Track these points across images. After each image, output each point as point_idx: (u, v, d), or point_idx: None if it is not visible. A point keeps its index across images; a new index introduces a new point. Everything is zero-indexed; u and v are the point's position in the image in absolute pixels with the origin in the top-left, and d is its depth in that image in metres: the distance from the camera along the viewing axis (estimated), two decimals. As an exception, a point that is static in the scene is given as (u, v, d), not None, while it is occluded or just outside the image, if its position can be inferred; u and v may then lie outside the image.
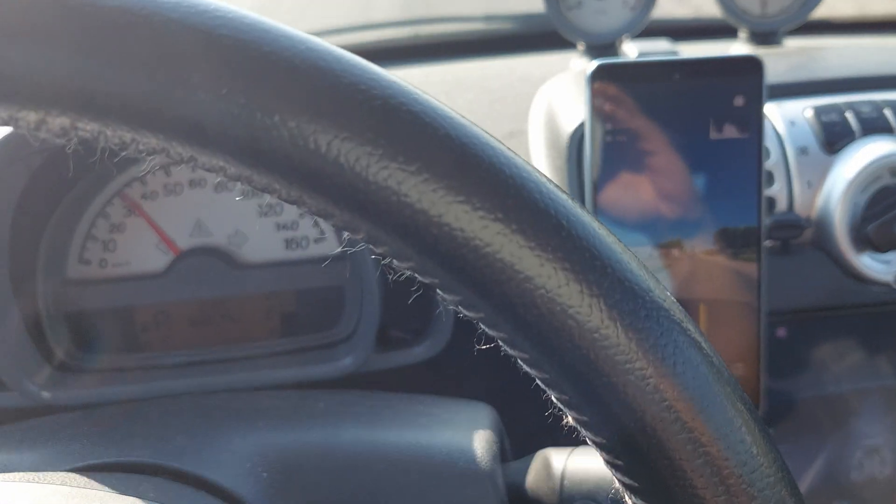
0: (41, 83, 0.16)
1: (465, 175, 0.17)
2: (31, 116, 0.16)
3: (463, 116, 0.18)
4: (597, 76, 0.45)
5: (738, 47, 0.73)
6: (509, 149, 0.18)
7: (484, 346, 0.20)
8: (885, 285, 0.49)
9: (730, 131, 0.45)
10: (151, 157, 0.17)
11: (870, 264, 0.48)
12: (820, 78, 0.53)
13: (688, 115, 0.45)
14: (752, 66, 0.45)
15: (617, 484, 0.20)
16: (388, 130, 0.16)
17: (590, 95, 0.45)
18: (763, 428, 0.19)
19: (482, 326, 0.18)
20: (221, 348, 0.56)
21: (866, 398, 0.52)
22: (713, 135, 0.45)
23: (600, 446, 0.19)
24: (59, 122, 0.16)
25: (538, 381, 0.19)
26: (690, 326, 0.18)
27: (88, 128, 0.16)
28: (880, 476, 0.52)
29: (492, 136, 0.18)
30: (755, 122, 0.45)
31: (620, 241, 0.19)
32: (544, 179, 0.18)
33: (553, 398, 0.19)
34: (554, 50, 0.83)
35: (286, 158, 0.16)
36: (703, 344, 0.18)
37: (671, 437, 0.18)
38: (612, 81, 0.45)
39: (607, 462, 0.19)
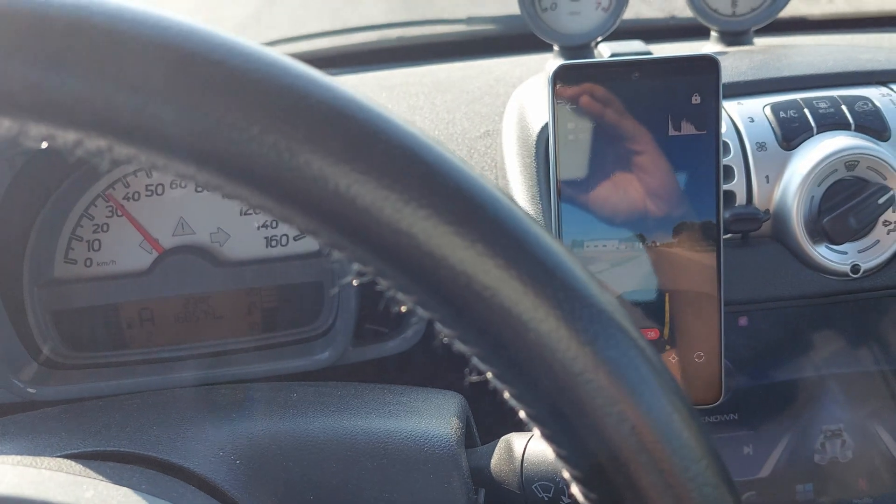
0: (63, 102, 0.17)
1: (474, 221, 0.18)
2: (71, 136, 0.18)
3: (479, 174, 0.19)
4: (559, 77, 0.47)
5: (710, 46, 0.75)
6: (510, 197, 0.20)
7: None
8: (842, 275, 0.51)
9: (688, 128, 0.47)
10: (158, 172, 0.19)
11: (826, 255, 0.50)
12: (779, 76, 0.55)
13: (647, 113, 0.47)
14: (708, 64, 0.46)
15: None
16: (401, 178, 0.18)
17: (552, 96, 0.47)
18: (697, 418, 0.21)
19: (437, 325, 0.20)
20: (204, 344, 0.58)
21: (827, 384, 0.53)
22: (672, 132, 0.47)
23: (548, 438, 0.21)
24: (97, 143, 0.18)
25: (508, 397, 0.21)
26: (634, 332, 0.20)
27: (99, 145, 0.18)
28: (842, 459, 0.54)
29: (487, 178, 0.20)
30: (713, 119, 0.47)
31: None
32: (533, 224, 0.20)
33: (520, 412, 0.21)
34: (532, 52, 0.85)
35: (325, 208, 0.18)
36: (648, 350, 0.20)
37: (611, 428, 0.19)
38: (574, 82, 0.47)
39: (557, 455, 0.21)
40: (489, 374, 0.21)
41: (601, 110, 0.47)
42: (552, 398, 0.20)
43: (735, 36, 0.74)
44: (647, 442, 0.20)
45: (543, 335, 0.19)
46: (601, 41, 0.76)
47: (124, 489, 0.33)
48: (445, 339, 0.21)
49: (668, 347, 0.49)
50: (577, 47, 0.75)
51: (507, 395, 0.21)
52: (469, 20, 0.97)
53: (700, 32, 0.77)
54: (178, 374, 0.55)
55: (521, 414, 0.22)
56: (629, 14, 0.76)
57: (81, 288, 0.57)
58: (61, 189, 0.57)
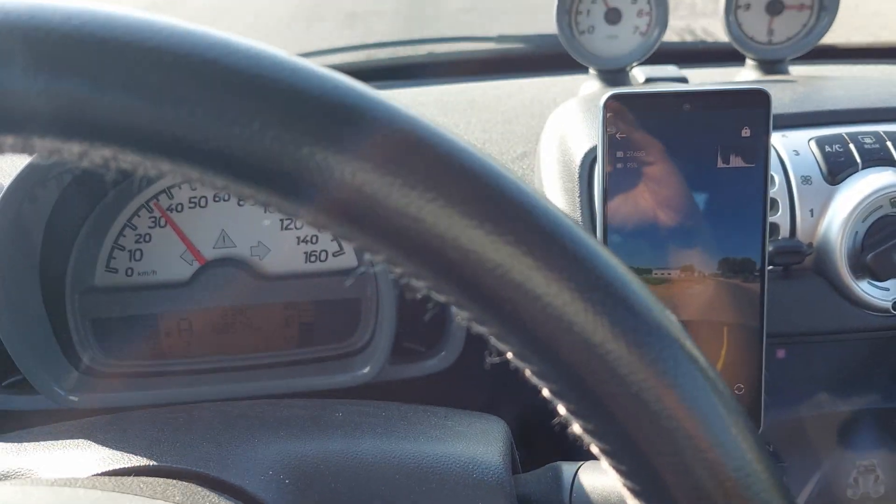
0: (90, 119, 0.17)
1: (480, 202, 0.19)
2: (76, 148, 0.18)
3: (478, 149, 0.20)
4: (610, 104, 0.47)
5: (745, 74, 0.76)
6: (518, 177, 0.20)
7: (495, 360, 0.22)
8: (884, 311, 0.51)
9: (736, 161, 0.47)
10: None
11: (868, 291, 0.50)
12: (824, 109, 0.55)
13: (696, 143, 0.47)
14: (759, 98, 0.47)
15: (622, 495, 0.22)
16: (410, 164, 0.18)
17: (603, 122, 0.47)
18: (755, 435, 0.21)
19: (493, 340, 0.20)
20: (242, 356, 0.59)
21: (862, 419, 0.53)
22: (720, 164, 0.47)
23: (605, 452, 0.21)
24: (102, 153, 0.18)
25: (546, 392, 0.21)
26: (688, 342, 0.20)
27: (129, 159, 0.18)
28: (875, 495, 0.54)
29: (501, 163, 0.20)
30: (761, 153, 0.47)
31: (622, 262, 0.21)
32: (552, 206, 0.20)
33: (560, 408, 0.21)
34: (565, 72, 0.85)
35: (316, 189, 0.18)
36: (700, 358, 0.20)
37: (672, 443, 0.20)
38: (625, 110, 0.47)
39: (611, 467, 0.21)
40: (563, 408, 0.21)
41: (651, 139, 0.47)
42: (633, 437, 0.20)
43: (771, 64, 0.75)
44: (724, 479, 0.20)
45: (629, 380, 0.20)
46: (636, 65, 0.76)
47: (158, 502, 0.33)
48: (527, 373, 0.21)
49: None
50: (613, 71, 0.76)
51: (578, 428, 0.22)
52: (500, 38, 0.98)
53: (734, 58, 0.78)
54: (215, 387, 0.56)
55: (595, 449, 0.22)
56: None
57: (121, 297, 0.58)
58: (106, 199, 0.57)
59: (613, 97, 0.47)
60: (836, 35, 0.89)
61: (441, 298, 0.20)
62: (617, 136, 0.48)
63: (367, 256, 0.20)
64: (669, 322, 0.20)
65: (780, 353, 0.53)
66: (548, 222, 0.19)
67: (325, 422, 0.43)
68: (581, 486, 0.38)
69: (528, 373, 0.21)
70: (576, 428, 0.22)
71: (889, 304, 0.50)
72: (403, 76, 0.94)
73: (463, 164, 0.19)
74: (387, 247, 0.19)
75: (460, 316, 0.20)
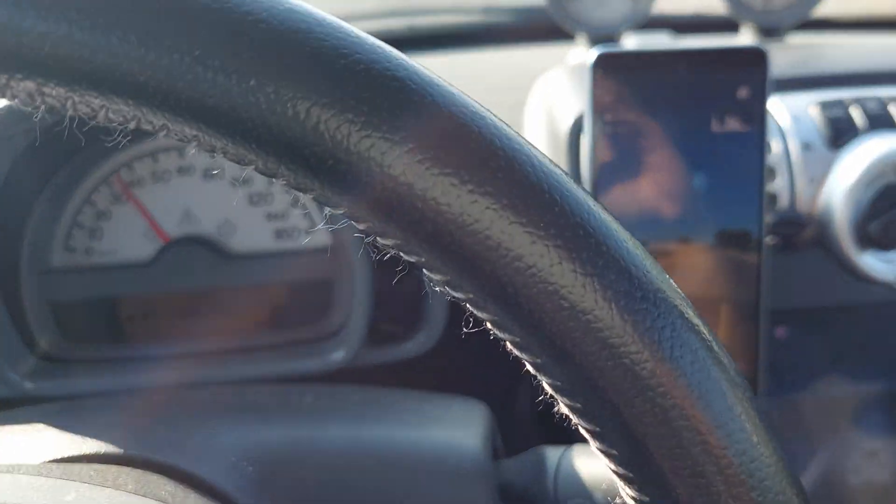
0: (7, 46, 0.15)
1: (454, 146, 0.15)
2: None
3: (451, 85, 0.17)
4: (599, 65, 0.44)
5: (741, 42, 0.72)
6: (500, 119, 0.17)
7: (472, 330, 0.19)
8: (888, 285, 0.48)
9: (732, 124, 0.44)
10: (122, 125, 0.16)
11: (872, 263, 0.47)
12: (825, 72, 0.52)
13: (690, 106, 0.44)
14: (757, 57, 0.43)
15: (611, 480, 0.19)
16: (371, 97, 0.15)
17: (591, 84, 0.44)
18: (763, 417, 0.18)
19: (469, 308, 0.17)
20: (209, 340, 0.55)
21: (866, 401, 0.51)
22: (715, 127, 0.44)
23: (593, 434, 0.18)
24: (23, 86, 0.15)
25: (528, 366, 0.18)
26: (688, 310, 0.17)
27: (54, 93, 0.15)
28: (878, 480, 0.51)
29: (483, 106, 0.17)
30: (758, 116, 0.44)
31: (616, 220, 0.17)
32: (537, 152, 0.17)
33: (544, 384, 0.18)
34: (551, 42, 0.82)
35: (264, 126, 0.15)
36: (702, 328, 0.17)
37: (668, 424, 0.17)
38: (614, 71, 0.44)
39: (600, 451, 0.18)
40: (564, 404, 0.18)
41: (642, 102, 0.44)
42: (626, 421, 0.18)
43: (767, 32, 0.71)
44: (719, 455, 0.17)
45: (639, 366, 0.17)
46: (627, 33, 0.73)
47: (108, 490, 0.31)
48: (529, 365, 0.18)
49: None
50: (603, 38, 0.72)
51: (564, 407, 0.19)
52: (486, 10, 0.95)
53: (728, 27, 0.75)
54: (180, 373, 0.52)
55: (583, 431, 0.19)
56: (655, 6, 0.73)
57: (81, 278, 0.54)
58: (62, 173, 0.54)
59: (603, 56, 0.44)
60: (833, 6, 0.86)
61: (411, 259, 0.17)
62: (606, 99, 0.44)
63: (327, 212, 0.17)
64: (668, 287, 0.17)
65: (780, 331, 0.50)
66: (533, 171, 0.16)
67: (293, 407, 0.40)
68: (566, 471, 0.35)
69: (508, 345, 0.18)
70: (562, 407, 0.19)
71: (893, 277, 0.48)
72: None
73: (436, 101, 0.16)
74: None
75: (433, 281, 0.17)
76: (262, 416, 0.39)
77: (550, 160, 0.17)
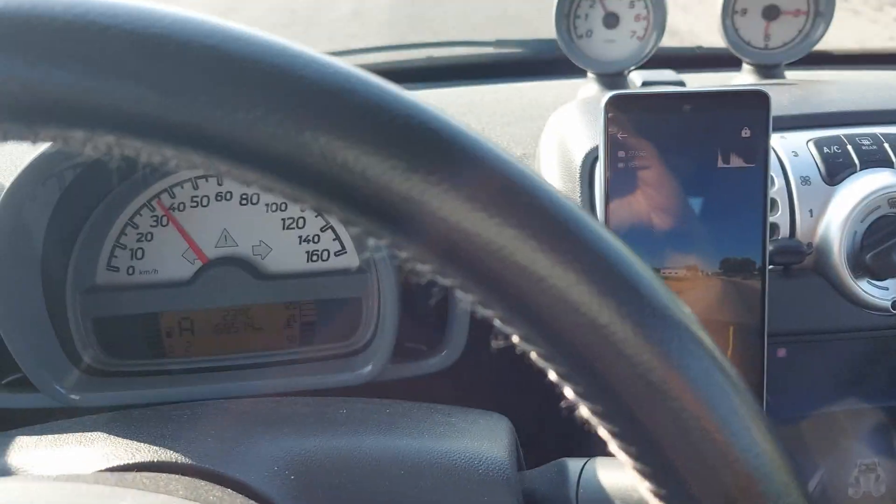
0: (94, 104, 0.17)
1: (483, 186, 0.19)
2: (79, 135, 0.18)
3: (477, 133, 0.20)
4: (611, 105, 0.47)
5: (742, 78, 0.76)
6: (521, 162, 0.20)
7: (500, 344, 0.22)
8: (883, 311, 0.51)
9: (736, 161, 0.48)
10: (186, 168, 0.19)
11: (868, 290, 0.51)
12: (822, 111, 0.56)
13: (697, 144, 0.48)
14: (759, 100, 0.47)
15: (631, 491, 0.22)
16: (410, 146, 0.18)
17: (605, 122, 0.47)
18: (764, 417, 0.21)
19: (498, 324, 0.21)
20: (243, 355, 0.58)
21: (863, 418, 0.54)
22: (721, 164, 0.48)
23: (613, 434, 0.21)
24: (105, 140, 0.18)
25: (554, 375, 0.21)
26: (692, 324, 0.21)
27: (132, 145, 0.18)
28: (876, 494, 0.54)
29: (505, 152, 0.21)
30: (761, 153, 0.48)
31: (625, 245, 0.21)
32: (553, 189, 0.20)
33: (568, 390, 0.21)
34: (563, 76, 0.86)
35: (318, 174, 0.18)
36: (705, 339, 0.21)
37: (677, 423, 0.20)
38: (626, 111, 0.48)
39: (619, 448, 0.21)
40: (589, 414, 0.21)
41: (652, 140, 0.48)
42: (653, 431, 0.21)
43: (767, 69, 0.75)
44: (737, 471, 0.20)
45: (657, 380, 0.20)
46: (633, 69, 0.77)
47: (162, 496, 0.33)
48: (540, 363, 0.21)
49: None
50: (611, 75, 0.76)
51: (586, 411, 0.22)
52: (498, 43, 0.99)
53: (729, 63, 0.79)
54: (216, 385, 0.56)
55: (603, 433, 0.22)
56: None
57: (123, 296, 0.58)
58: (108, 198, 0.57)
59: (615, 97, 0.48)
60: (830, 42, 0.90)
61: (448, 283, 0.20)
62: (618, 136, 0.48)
63: (371, 253, 0.20)
64: (674, 304, 0.21)
65: (781, 353, 0.53)
66: (551, 204, 0.20)
67: (329, 419, 0.43)
68: (588, 482, 0.38)
69: (534, 356, 0.21)
70: (583, 411, 0.22)
71: (888, 304, 0.51)
72: (402, 80, 0.94)
73: (465, 149, 0.19)
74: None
75: (465, 300, 0.21)
76: (300, 428, 0.42)
77: (566, 196, 0.21)
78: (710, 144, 0.48)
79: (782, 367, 0.53)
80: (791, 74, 0.79)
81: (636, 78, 0.77)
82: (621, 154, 0.48)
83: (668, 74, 0.79)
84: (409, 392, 0.57)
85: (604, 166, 0.48)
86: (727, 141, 0.48)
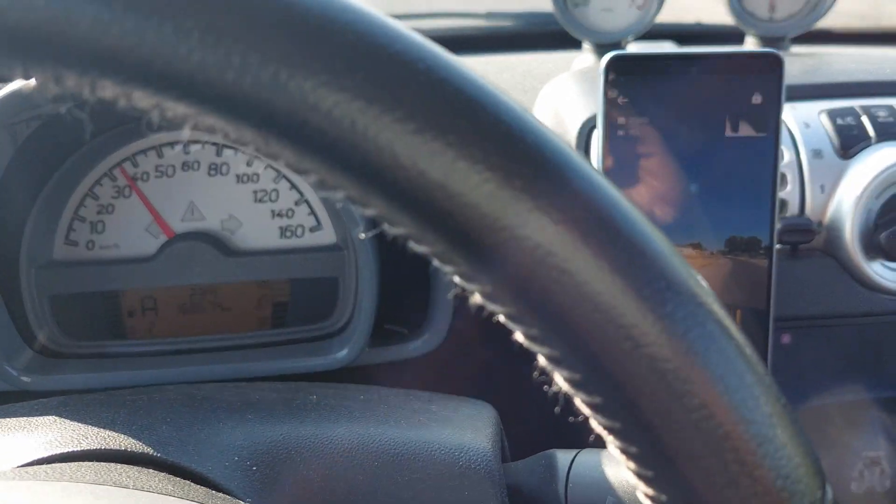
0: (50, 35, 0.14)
1: (480, 139, 0.15)
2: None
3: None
4: (612, 67, 0.44)
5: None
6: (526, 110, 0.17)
7: (491, 318, 0.18)
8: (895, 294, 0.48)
9: (746, 129, 0.44)
10: (144, 112, 0.15)
11: (881, 272, 0.47)
12: (836, 81, 0.52)
13: (703, 111, 0.44)
14: (772, 63, 0.43)
15: (626, 480, 0.19)
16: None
17: (604, 86, 0.44)
18: (792, 416, 0.18)
19: (485, 301, 0.17)
20: (210, 337, 0.55)
21: (868, 409, 0.51)
22: (729, 132, 0.44)
23: (612, 431, 0.18)
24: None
25: (544, 360, 0.17)
26: (716, 309, 0.17)
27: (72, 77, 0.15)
28: (880, 488, 0.51)
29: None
30: (773, 121, 0.44)
31: (631, 203, 0.17)
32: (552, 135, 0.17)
33: (561, 379, 0.18)
34: (555, 49, 0.82)
35: (268, 106, 0.14)
36: (731, 329, 0.17)
37: (692, 420, 0.17)
38: (628, 73, 0.44)
39: (619, 448, 0.18)
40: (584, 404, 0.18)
41: (655, 106, 0.44)
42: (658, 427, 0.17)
43: (771, 42, 0.72)
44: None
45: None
46: (632, 40, 0.73)
47: (109, 488, 0.30)
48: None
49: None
50: (609, 45, 0.72)
51: (580, 403, 0.18)
52: (489, 15, 0.95)
53: (731, 38, 0.75)
54: (180, 369, 0.52)
55: (598, 427, 0.19)
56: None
57: (82, 272, 0.54)
58: (65, 166, 0.53)
59: (616, 57, 0.44)
60: (836, 18, 0.87)
61: (422, 249, 0.17)
62: (618, 100, 0.44)
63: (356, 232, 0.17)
64: (690, 275, 0.17)
65: (786, 338, 0.50)
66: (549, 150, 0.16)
67: (298, 405, 0.39)
68: (578, 476, 0.35)
69: (522, 336, 0.18)
70: (579, 403, 0.18)
71: (902, 287, 0.48)
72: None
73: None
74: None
75: (444, 270, 0.17)
76: (266, 415, 0.38)
77: (566, 143, 0.17)
78: (717, 111, 0.44)
79: (786, 353, 0.50)
80: (796, 50, 0.75)
81: (634, 49, 0.73)
82: (621, 120, 0.44)
83: (667, 47, 0.75)
84: (389, 378, 0.54)
85: (602, 133, 0.44)
86: (736, 107, 0.44)
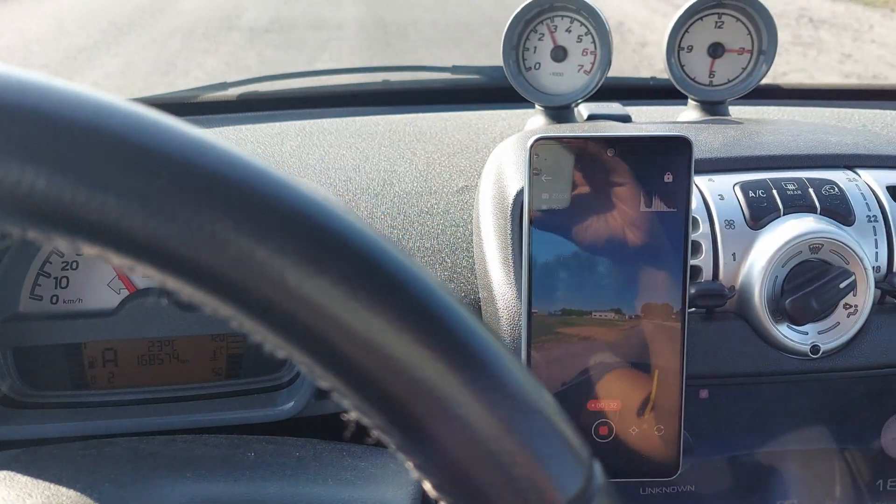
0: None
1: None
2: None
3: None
4: (536, 147, 0.47)
5: (687, 113, 0.77)
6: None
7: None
8: (802, 355, 0.52)
9: (659, 205, 0.48)
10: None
11: (787, 334, 0.51)
12: (750, 154, 0.56)
13: (620, 187, 0.48)
14: (681, 146, 0.47)
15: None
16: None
17: (529, 164, 0.47)
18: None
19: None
20: (168, 387, 0.57)
21: (783, 460, 0.54)
22: (643, 207, 0.48)
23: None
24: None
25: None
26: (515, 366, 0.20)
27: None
28: (796, 536, 0.54)
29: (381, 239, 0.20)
30: (683, 198, 0.48)
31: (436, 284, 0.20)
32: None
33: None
34: (515, 106, 0.86)
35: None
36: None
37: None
38: (551, 153, 0.48)
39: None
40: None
41: (576, 183, 0.48)
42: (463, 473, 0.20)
43: (712, 105, 0.76)
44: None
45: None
46: (580, 102, 0.77)
47: None
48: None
49: (630, 418, 0.49)
50: (558, 107, 0.77)
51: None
52: (455, 69, 0.99)
53: (678, 95, 0.79)
54: (138, 419, 0.55)
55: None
56: (610, 73, 0.78)
57: (46, 325, 0.57)
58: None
59: (539, 140, 0.48)
60: (776, 78, 0.91)
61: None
62: (542, 178, 0.48)
63: None
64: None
65: (704, 394, 0.53)
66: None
67: (236, 462, 0.42)
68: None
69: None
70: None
71: (807, 348, 0.51)
72: (358, 103, 0.94)
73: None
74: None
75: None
76: (205, 471, 0.41)
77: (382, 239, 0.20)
78: (633, 188, 0.48)
79: (704, 408, 0.53)
80: (736, 110, 0.80)
81: (583, 110, 0.78)
82: (545, 196, 0.48)
83: (614, 107, 0.80)
84: (334, 427, 0.57)
85: (528, 207, 0.48)
86: (650, 185, 0.48)
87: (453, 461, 0.19)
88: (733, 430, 0.53)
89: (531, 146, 0.47)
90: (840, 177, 0.55)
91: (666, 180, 0.48)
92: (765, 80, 0.76)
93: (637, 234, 0.48)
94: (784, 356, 0.52)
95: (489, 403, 0.19)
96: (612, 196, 0.48)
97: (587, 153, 0.48)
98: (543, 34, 0.76)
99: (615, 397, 0.49)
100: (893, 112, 0.87)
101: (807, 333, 0.51)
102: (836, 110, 0.86)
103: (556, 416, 0.20)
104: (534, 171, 0.48)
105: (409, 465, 0.20)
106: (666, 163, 0.48)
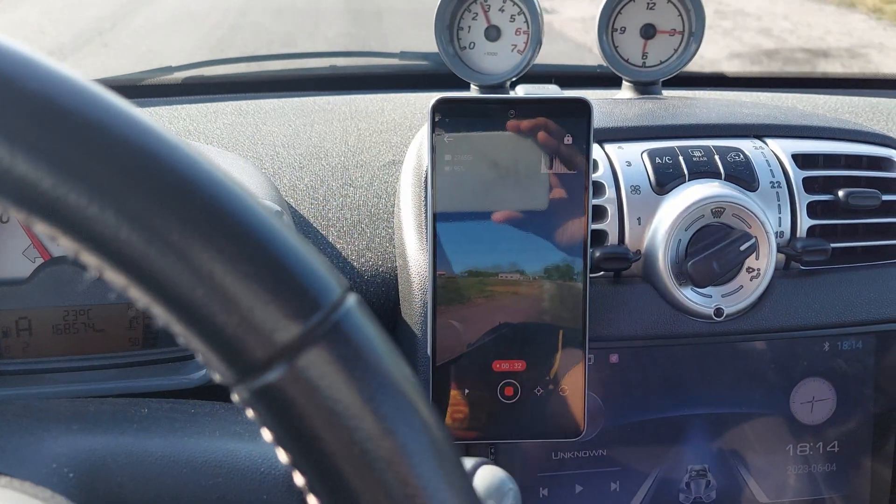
0: None
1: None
2: None
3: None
4: (438, 109, 0.48)
5: (621, 94, 0.78)
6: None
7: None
8: (706, 318, 0.52)
9: (559, 167, 0.49)
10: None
11: (692, 297, 0.52)
12: (658, 124, 0.57)
13: (522, 149, 0.49)
14: (581, 108, 0.48)
15: None
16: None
17: (430, 125, 0.48)
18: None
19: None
20: (82, 357, 0.57)
21: (693, 424, 0.54)
22: (544, 169, 0.49)
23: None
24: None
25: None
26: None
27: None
28: (707, 500, 0.55)
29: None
30: (583, 160, 0.48)
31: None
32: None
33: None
34: (456, 89, 0.87)
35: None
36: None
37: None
38: (453, 114, 0.48)
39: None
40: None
41: (478, 145, 0.48)
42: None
43: (645, 86, 0.77)
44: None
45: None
46: (517, 82, 0.78)
47: None
48: None
49: (535, 379, 0.49)
50: (493, 86, 0.77)
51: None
52: (402, 55, 1.00)
53: (615, 81, 0.80)
54: (51, 388, 0.54)
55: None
56: (553, 60, 0.79)
57: (-43, 294, 0.56)
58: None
59: (441, 100, 0.48)
60: (703, 66, 0.93)
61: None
62: (445, 139, 0.48)
63: None
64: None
65: (614, 358, 0.54)
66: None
67: (126, 417, 0.42)
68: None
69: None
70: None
71: (711, 311, 0.52)
72: (304, 88, 0.95)
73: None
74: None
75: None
76: (92, 426, 0.41)
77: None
78: (534, 150, 0.49)
79: (614, 372, 0.54)
80: (668, 93, 0.81)
81: (520, 91, 0.78)
82: (448, 157, 0.49)
83: (550, 89, 0.80)
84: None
85: (430, 170, 0.48)
86: (551, 147, 0.48)
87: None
88: (644, 395, 0.54)
89: (433, 104, 0.48)
90: (747, 145, 0.56)
91: (566, 142, 0.49)
92: (709, 69, 0.78)
93: (539, 195, 0.49)
94: (689, 319, 0.52)
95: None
96: (515, 157, 0.49)
97: (490, 114, 0.48)
98: (477, 13, 0.77)
99: (520, 358, 0.49)
100: (830, 97, 0.88)
101: (710, 297, 0.52)
102: (776, 94, 0.88)
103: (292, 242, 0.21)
104: (436, 133, 0.48)
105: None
106: (567, 125, 0.49)
